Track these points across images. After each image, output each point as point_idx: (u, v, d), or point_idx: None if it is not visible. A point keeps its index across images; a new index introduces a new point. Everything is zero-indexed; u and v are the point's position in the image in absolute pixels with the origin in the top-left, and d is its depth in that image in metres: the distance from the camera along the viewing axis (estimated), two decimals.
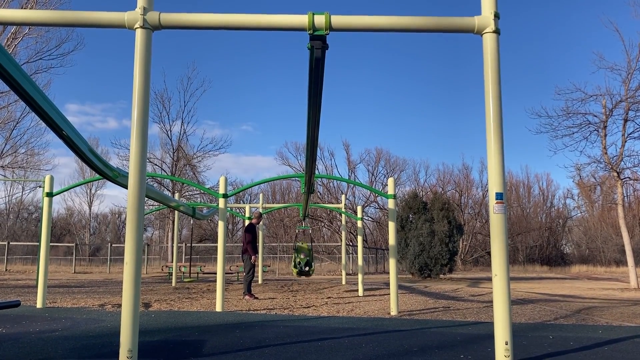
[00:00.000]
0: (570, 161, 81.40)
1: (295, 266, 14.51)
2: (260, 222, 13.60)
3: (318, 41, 4.98)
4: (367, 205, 47.37)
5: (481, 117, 4.98)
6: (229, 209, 21.24)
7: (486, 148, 5.04)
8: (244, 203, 49.45)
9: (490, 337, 5.41)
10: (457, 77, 67.32)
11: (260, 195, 20.62)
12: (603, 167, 19.29)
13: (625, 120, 18.65)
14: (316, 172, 9.26)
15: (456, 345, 5.75)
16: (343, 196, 20.33)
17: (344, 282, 18.47)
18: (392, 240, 9.46)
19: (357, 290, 14.14)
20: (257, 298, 11.83)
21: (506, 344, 4.77)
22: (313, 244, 16.71)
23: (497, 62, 5.03)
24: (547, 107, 49.92)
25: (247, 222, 15.36)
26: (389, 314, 8.99)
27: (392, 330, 6.88)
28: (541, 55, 67.19)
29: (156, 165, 35.92)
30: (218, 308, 9.22)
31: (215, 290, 13.00)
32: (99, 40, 71.21)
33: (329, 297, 12.40)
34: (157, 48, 34.26)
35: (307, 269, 14.36)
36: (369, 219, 48.73)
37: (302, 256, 14.56)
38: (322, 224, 45.95)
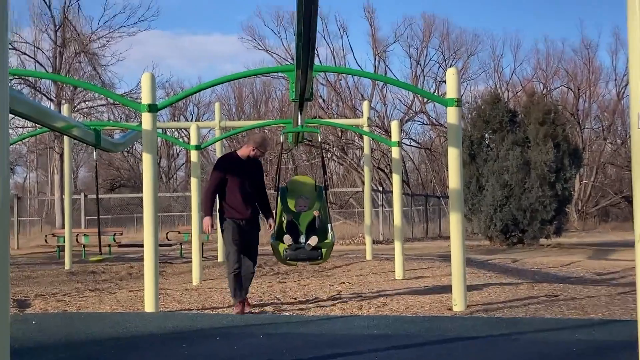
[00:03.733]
0: None
1: (277, 237, 9.59)
2: (256, 153, 9.69)
3: None
4: (408, 120, 47.42)
5: None
6: (160, 131, 21.19)
7: (626, 9, 4.95)
8: (187, 120, 49.53)
9: (630, 347, 5.51)
10: None
11: (217, 105, 20.61)
12: None
13: None
14: (316, 62, 9.04)
15: None
16: (365, 104, 20.23)
17: (369, 257, 18.69)
18: (454, 180, 9.48)
19: (392, 271, 14.32)
20: (250, 306, 9.51)
21: None
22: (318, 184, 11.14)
23: None
24: None
25: (191, 153, 15.29)
26: (450, 309, 9.14)
27: (457, 338, 7.00)
28: None
29: (26, 55, 35.71)
30: (149, 306, 9.35)
31: (143, 276, 13.13)
32: None
33: (344, 283, 12.59)
34: None
35: (308, 243, 9.34)
36: (412, 143, 48.90)
37: (298, 206, 9.97)
38: (329, 156, 46.13)
